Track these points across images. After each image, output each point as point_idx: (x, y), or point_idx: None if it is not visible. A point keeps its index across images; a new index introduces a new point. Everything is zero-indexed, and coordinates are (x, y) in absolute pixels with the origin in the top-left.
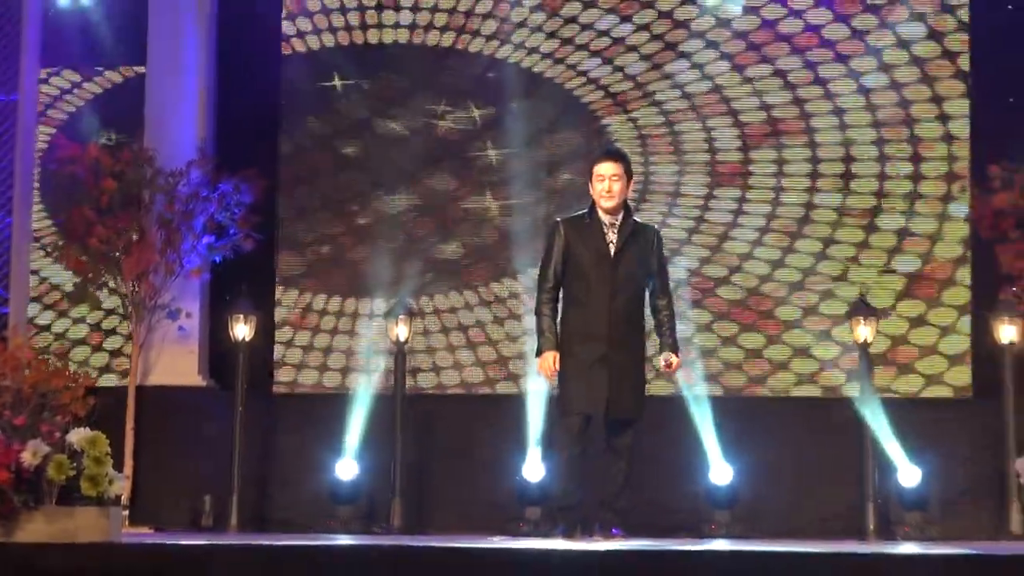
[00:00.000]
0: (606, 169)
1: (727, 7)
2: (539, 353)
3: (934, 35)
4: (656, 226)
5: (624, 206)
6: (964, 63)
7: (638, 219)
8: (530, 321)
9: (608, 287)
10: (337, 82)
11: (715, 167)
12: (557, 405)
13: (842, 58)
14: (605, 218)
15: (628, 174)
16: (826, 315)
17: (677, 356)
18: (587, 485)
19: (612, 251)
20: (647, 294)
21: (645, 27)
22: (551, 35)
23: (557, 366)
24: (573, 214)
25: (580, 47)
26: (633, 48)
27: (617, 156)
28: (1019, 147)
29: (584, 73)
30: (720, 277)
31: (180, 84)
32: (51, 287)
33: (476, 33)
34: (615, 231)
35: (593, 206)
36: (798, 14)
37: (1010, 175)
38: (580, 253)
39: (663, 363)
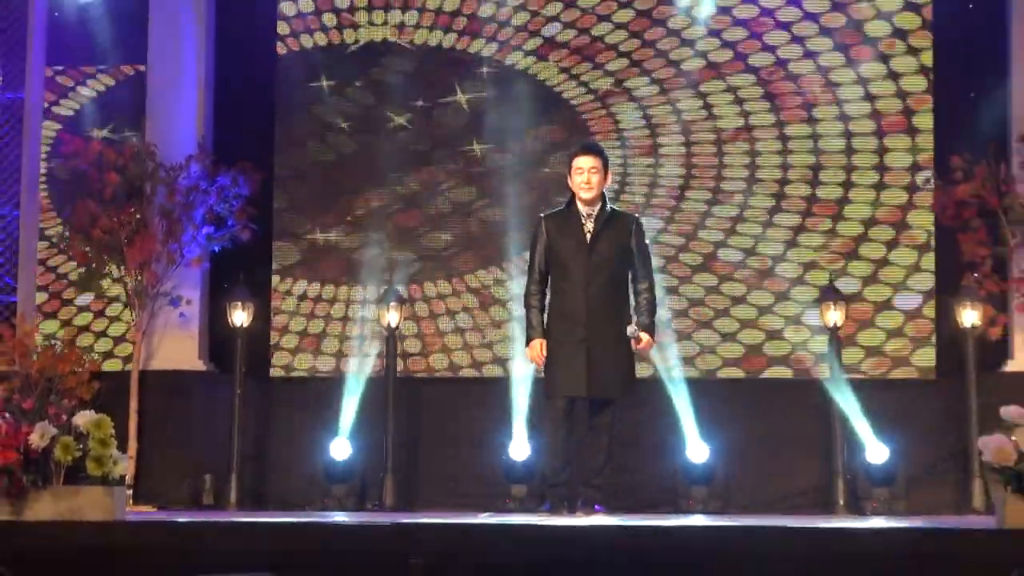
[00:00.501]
0: (585, 162)
1: (701, 8)
2: (528, 342)
3: (899, 32)
4: (636, 214)
5: (602, 197)
6: (927, 59)
7: (616, 208)
8: (515, 307)
9: (584, 273)
10: (324, 82)
11: (690, 159)
12: (543, 388)
13: (811, 55)
14: (583, 209)
15: (606, 167)
16: (797, 300)
17: (650, 336)
18: (573, 464)
19: (588, 239)
20: (628, 279)
21: (624, 26)
22: (534, 33)
23: (543, 352)
24: (554, 209)
25: (561, 45)
26: (613, 47)
27: (595, 150)
28: (980, 140)
29: (566, 70)
30: (696, 264)
31: (180, 81)
32: (57, 277)
33: (464, 32)
34: (592, 220)
35: (573, 198)
36: (769, 12)
37: (971, 166)
38: (560, 244)
39: (631, 332)
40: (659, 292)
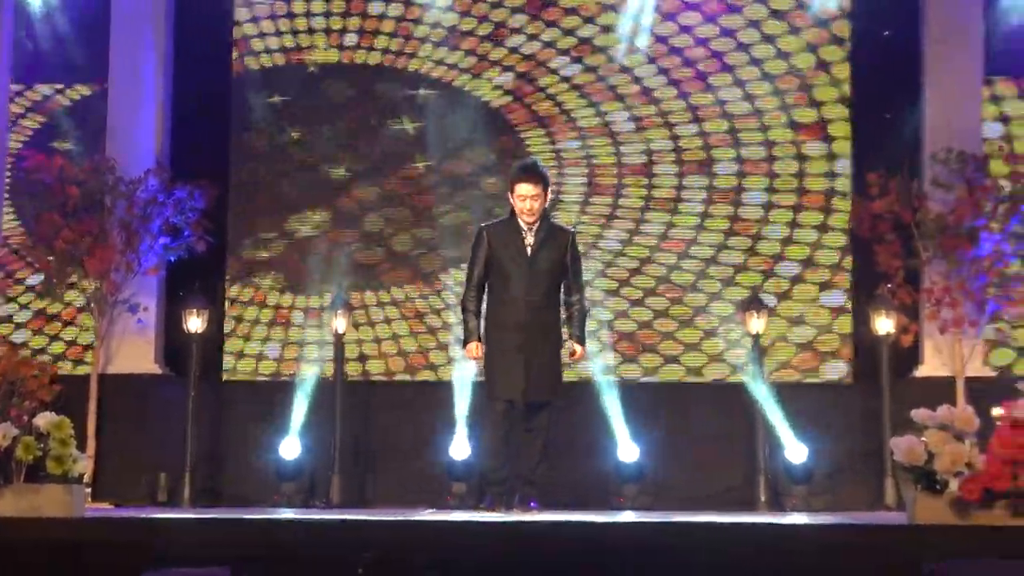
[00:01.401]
0: (526, 190)
1: (638, 37)
2: (465, 344)
3: (820, 62)
4: (572, 228)
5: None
6: (846, 86)
7: (555, 221)
8: (454, 314)
9: (524, 284)
10: (277, 99)
11: (621, 177)
12: (485, 391)
13: (740, 83)
14: (524, 223)
15: (546, 190)
16: (723, 308)
17: (582, 347)
18: (511, 462)
19: (529, 252)
20: (562, 290)
21: (554, 44)
22: (470, 53)
23: (480, 352)
24: (495, 220)
25: (496, 63)
26: (543, 63)
27: (535, 177)
28: (894, 157)
29: (501, 87)
30: (622, 279)
31: (139, 98)
32: (21, 285)
33: (407, 54)
34: (532, 234)
35: (513, 212)
36: (702, 42)
37: (886, 183)
38: (501, 255)
39: (568, 349)
40: (591, 302)
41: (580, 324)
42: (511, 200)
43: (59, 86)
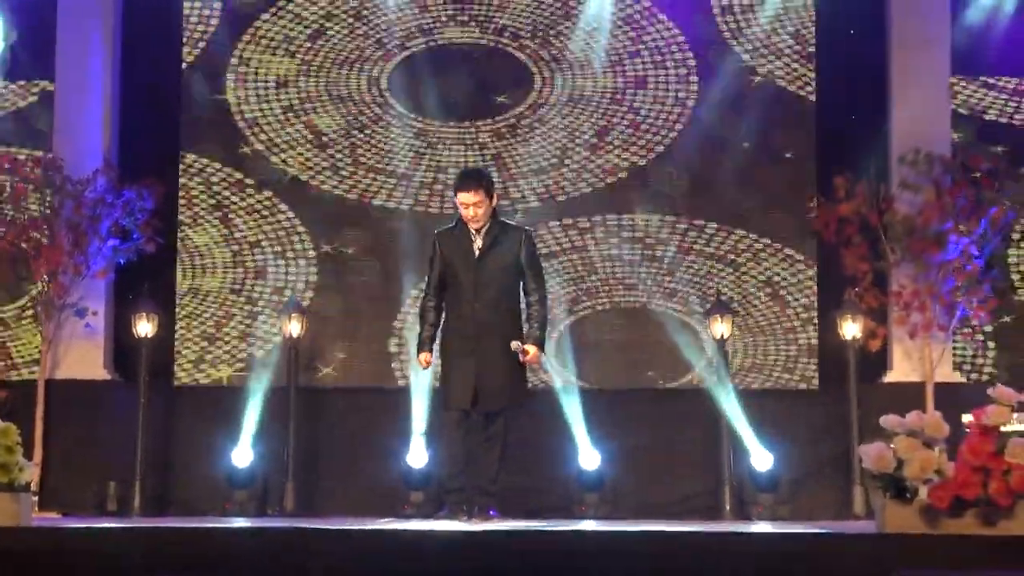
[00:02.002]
0: (467, 198)
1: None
2: (417, 353)
3: (783, 60)
4: (527, 228)
5: (492, 214)
6: (810, 86)
7: (507, 221)
8: (412, 320)
9: (472, 288)
10: (228, 97)
11: (592, 176)
12: (440, 398)
13: (705, 77)
14: (472, 226)
15: (489, 193)
16: (686, 312)
17: (537, 348)
18: (469, 470)
19: (476, 254)
20: (521, 291)
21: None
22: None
23: (427, 363)
24: (446, 226)
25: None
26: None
27: (473, 184)
28: (860, 160)
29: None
30: (589, 276)
31: (87, 97)
32: None
33: (360, 35)
34: (481, 237)
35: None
36: (668, 43)
37: (853, 186)
38: (452, 260)
39: (515, 347)
40: (554, 304)
41: (538, 324)
42: (458, 207)
43: (4, 83)
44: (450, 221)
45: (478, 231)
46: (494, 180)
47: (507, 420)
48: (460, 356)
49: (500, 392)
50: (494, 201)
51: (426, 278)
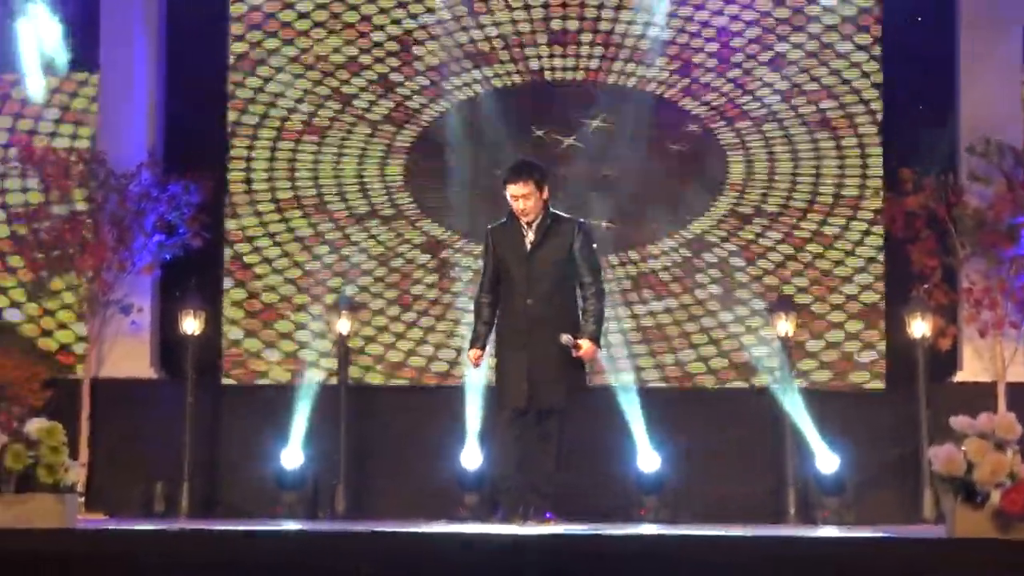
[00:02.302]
0: (515, 191)
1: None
2: (469, 348)
3: (848, 50)
4: (582, 219)
5: (543, 207)
6: (878, 76)
7: (561, 213)
8: (468, 316)
9: (526, 283)
10: (277, 89)
11: (649, 174)
12: (494, 397)
13: (768, 65)
14: (524, 219)
15: (539, 185)
16: (749, 310)
17: (592, 343)
18: (524, 470)
19: (528, 248)
20: (576, 286)
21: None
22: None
23: (478, 360)
24: (499, 220)
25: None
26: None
27: (522, 176)
28: (929, 151)
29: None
30: (648, 272)
31: (131, 88)
32: (7, 285)
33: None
34: (532, 230)
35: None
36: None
37: (920, 178)
38: (505, 255)
39: (565, 340)
40: (613, 301)
41: (593, 319)
42: (508, 200)
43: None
44: (502, 216)
45: (530, 224)
46: (546, 171)
47: (562, 418)
48: (513, 352)
49: (554, 389)
50: (545, 193)
51: (482, 273)
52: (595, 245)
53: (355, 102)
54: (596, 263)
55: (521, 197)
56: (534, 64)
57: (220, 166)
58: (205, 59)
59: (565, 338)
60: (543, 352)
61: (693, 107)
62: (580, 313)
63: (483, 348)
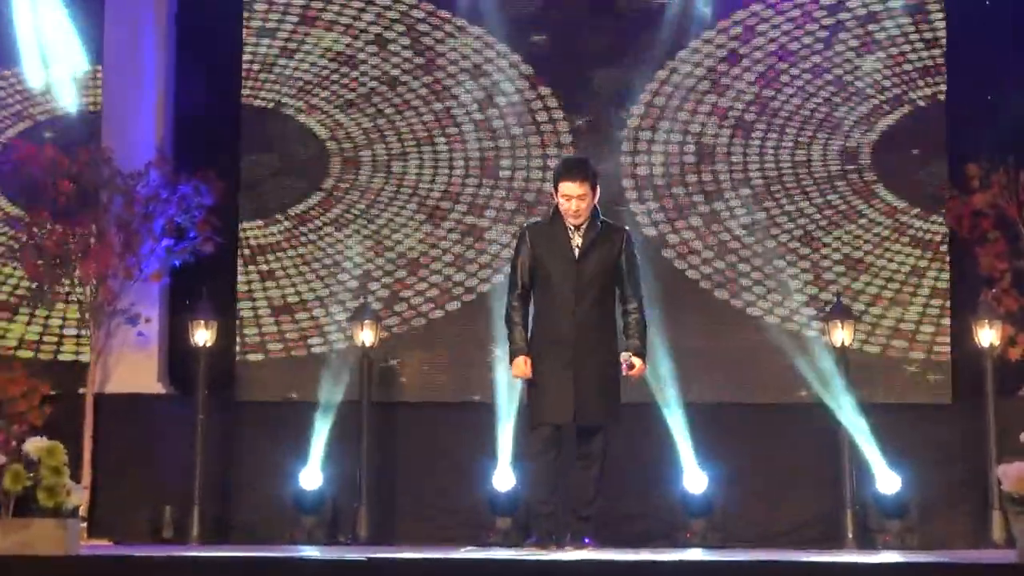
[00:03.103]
0: (571, 190)
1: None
2: (511, 359)
3: (909, 33)
4: (626, 227)
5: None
6: (940, 60)
7: (606, 219)
8: (499, 328)
9: (572, 292)
10: (292, 84)
11: (686, 168)
12: (528, 414)
13: (821, 60)
14: (572, 220)
15: (594, 186)
16: (802, 318)
17: (641, 361)
18: (560, 493)
19: (576, 255)
20: (616, 297)
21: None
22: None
23: (528, 369)
24: (538, 220)
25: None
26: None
27: (581, 174)
28: (996, 146)
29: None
30: (694, 280)
31: (138, 83)
32: (6, 293)
33: (429, 53)
34: (580, 234)
35: (558, 209)
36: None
37: (987, 174)
38: (545, 259)
39: (625, 359)
40: (654, 311)
41: (639, 334)
42: (556, 198)
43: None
44: (540, 216)
45: (577, 228)
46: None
47: (606, 437)
48: (555, 365)
49: (601, 406)
50: (598, 195)
51: (511, 276)
52: (637, 256)
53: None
54: (639, 275)
55: (576, 197)
56: None
57: (233, 164)
58: (218, 48)
59: (625, 356)
60: (591, 367)
61: (745, 88)
62: (623, 327)
63: (529, 354)
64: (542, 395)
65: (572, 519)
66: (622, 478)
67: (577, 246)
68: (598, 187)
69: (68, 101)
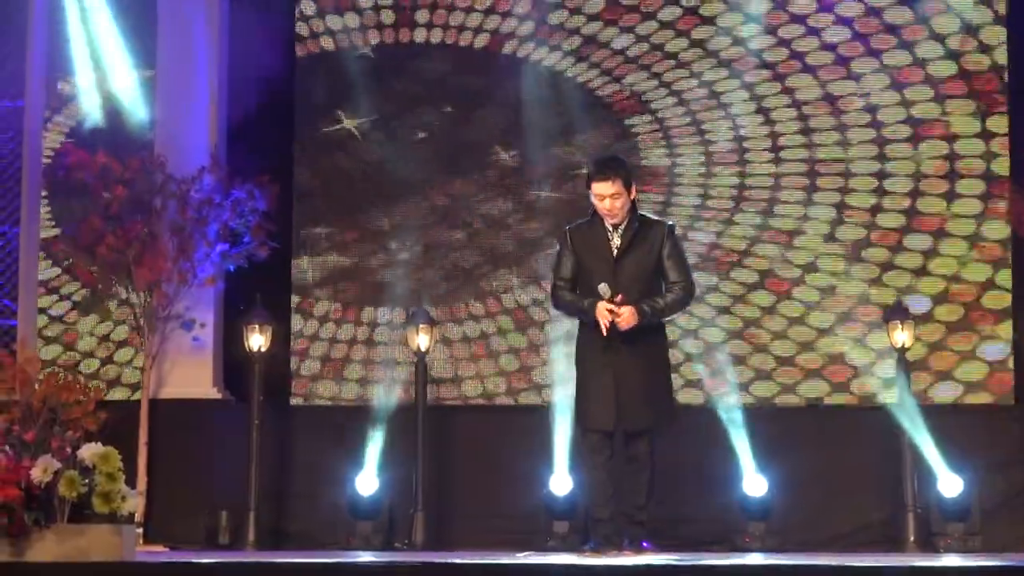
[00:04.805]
0: (604, 189)
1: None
2: (592, 314)
3: (969, 28)
4: (670, 222)
5: (630, 210)
6: (1001, 56)
7: (648, 215)
8: (553, 328)
9: (610, 293)
10: (346, 88)
11: (744, 168)
12: (575, 419)
13: (874, 53)
14: (609, 222)
15: (628, 185)
16: (862, 320)
17: (636, 315)
18: (617, 497)
19: (615, 254)
20: (663, 291)
21: (670, 24)
22: (574, 32)
23: (607, 312)
24: (579, 221)
25: (603, 45)
26: (659, 47)
27: (612, 173)
28: None
29: (608, 72)
30: (751, 282)
31: (191, 87)
32: (60, 299)
33: (493, 32)
34: (619, 234)
35: (596, 211)
36: (828, 8)
37: None
38: (586, 260)
39: (602, 290)
40: (709, 312)
41: (662, 299)
42: (592, 199)
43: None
44: (581, 217)
45: (615, 227)
46: (631, 169)
47: (652, 440)
48: (597, 369)
49: (643, 410)
50: (633, 193)
51: (555, 271)
52: (683, 248)
53: None
54: (687, 265)
55: (608, 197)
56: None
57: (288, 168)
58: (272, 53)
59: (602, 288)
60: (632, 370)
61: (798, 86)
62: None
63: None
64: (586, 400)
65: (626, 523)
66: (682, 482)
67: (616, 246)
68: (633, 185)
69: (121, 108)
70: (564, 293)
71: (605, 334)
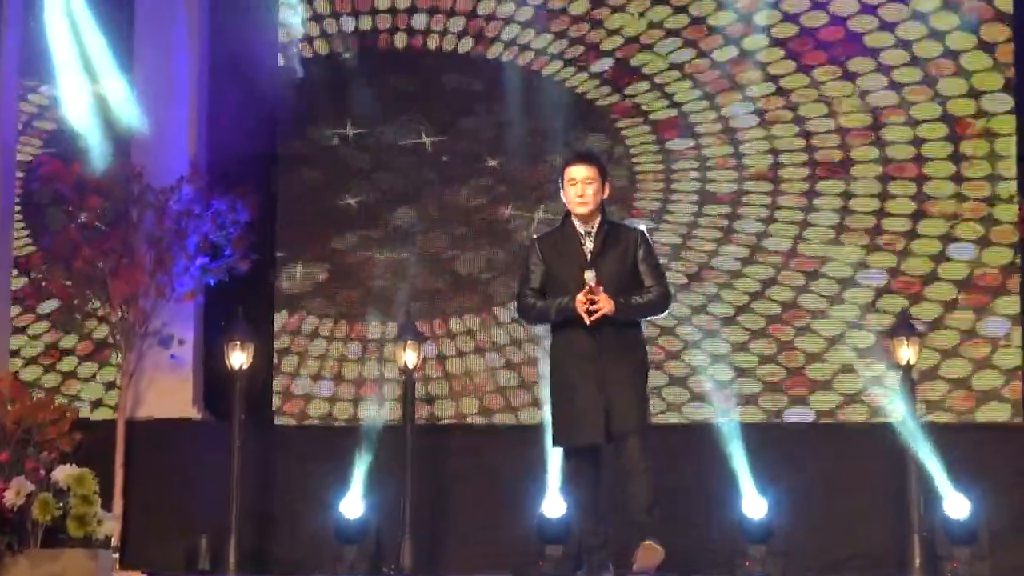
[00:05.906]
0: (578, 172)
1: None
2: (568, 311)
3: (971, 25)
4: (641, 227)
5: (600, 211)
6: (1005, 55)
7: (617, 220)
8: (539, 346)
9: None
10: (330, 96)
11: (743, 172)
12: (553, 438)
13: (872, 52)
14: (580, 226)
15: (603, 177)
16: (867, 332)
17: (614, 307)
18: (609, 520)
19: (589, 258)
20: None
21: (665, 25)
22: (560, 35)
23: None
24: (546, 231)
25: (592, 47)
26: (648, 46)
27: (589, 158)
28: None
29: (598, 75)
30: (752, 292)
31: (170, 95)
32: (36, 315)
33: (477, 36)
34: (591, 238)
35: (567, 216)
36: (822, 6)
37: None
38: (557, 267)
39: (589, 277)
40: (713, 324)
41: (640, 298)
42: (564, 198)
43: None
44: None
45: (587, 233)
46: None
47: (642, 440)
48: (580, 382)
49: (629, 413)
50: (606, 192)
51: (520, 287)
52: (657, 254)
53: None
54: (661, 270)
55: (581, 181)
56: None
57: (270, 179)
58: (253, 60)
59: (590, 275)
60: (617, 379)
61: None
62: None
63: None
64: (569, 415)
65: (635, 532)
66: (680, 502)
67: (589, 251)
68: (607, 182)
69: (98, 117)
70: (535, 300)
71: (589, 323)
